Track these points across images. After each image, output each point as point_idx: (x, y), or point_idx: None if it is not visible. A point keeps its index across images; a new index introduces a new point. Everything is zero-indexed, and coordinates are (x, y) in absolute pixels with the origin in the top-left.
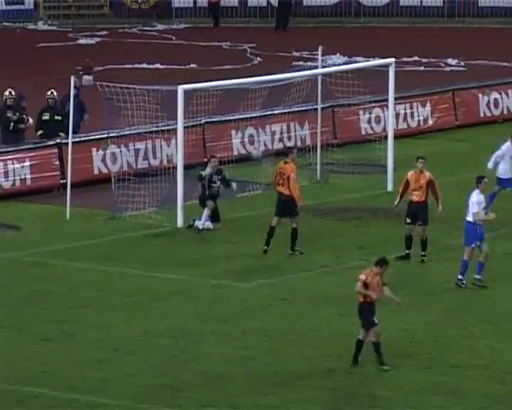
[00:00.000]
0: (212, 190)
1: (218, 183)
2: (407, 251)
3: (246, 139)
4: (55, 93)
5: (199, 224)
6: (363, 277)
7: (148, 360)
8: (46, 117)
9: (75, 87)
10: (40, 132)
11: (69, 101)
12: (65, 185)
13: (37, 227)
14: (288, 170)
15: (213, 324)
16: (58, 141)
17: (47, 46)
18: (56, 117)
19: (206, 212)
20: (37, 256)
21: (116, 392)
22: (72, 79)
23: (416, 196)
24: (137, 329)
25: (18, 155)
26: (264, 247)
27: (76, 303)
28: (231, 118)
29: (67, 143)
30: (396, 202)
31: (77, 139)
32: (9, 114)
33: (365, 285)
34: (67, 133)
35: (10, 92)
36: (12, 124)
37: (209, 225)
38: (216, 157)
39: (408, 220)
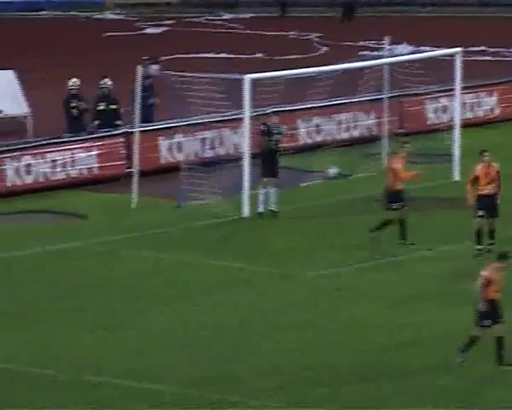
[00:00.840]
0: (271, 143)
1: (277, 136)
2: (478, 247)
3: (312, 129)
4: (110, 82)
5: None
6: (485, 273)
7: (206, 350)
8: (101, 107)
9: (149, 76)
10: (97, 122)
11: (145, 91)
12: (131, 174)
13: (104, 216)
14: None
15: (272, 314)
16: (125, 130)
17: (113, 36)
18: (111, 106)
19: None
20: (103, 245)
21: (175, 381)
22: (140, 68)
23: (487, 190)
24: (198, 318)
25: (85, 144)
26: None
27: (139, 292)
28: (297, 107)
29: (135, 132)
30: (470, 200)
31: (144, 128)
32: (74, 103)
33: (488, 282)
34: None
35: (75, 82)
36: (76, 113)
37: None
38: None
39: (480, 213)
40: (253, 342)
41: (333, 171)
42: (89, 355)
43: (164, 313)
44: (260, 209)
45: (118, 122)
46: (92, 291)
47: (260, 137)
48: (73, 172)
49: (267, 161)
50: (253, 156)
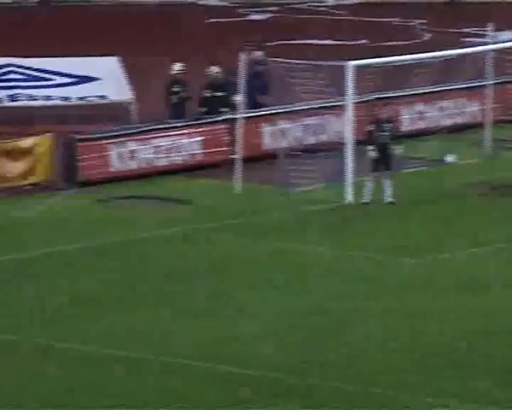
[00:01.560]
0: (380, 138)
1: (388, 132)
2: None
3: (415, 115)
4: (218, 69)
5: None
6: None
7: (293, 336)
8: (208, 94)
9: (261, 63)
10: (204, 109)
11: (252, 79)
12: (234, 161)
13: (207, 202)
14: None
15: (360, 301)
16: (229, 117)
17: (217, 22)
18: (218, 93)
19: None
20: (206, 231)
21: (260, 366)
22: (243, 55)
23: None
24: (286, 306)
25: (189, 130)
26: None
27: (232, 278)
28: (401, 94)
29: (238, 119)
30: None
31: (247, 115)
32: (177, 89)
33: None
34: (233, 109)
35: (179, 67)
36: (178, 98)
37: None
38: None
39: None
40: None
41: (450, 158)
42: (192, 339)
43: (245, 302)
44: (365, 200)
45: (224, 109)
46: (196, 276)
47: (371, 132)
48: (177, 158)
49: (379, 154)
50: (358, 143)
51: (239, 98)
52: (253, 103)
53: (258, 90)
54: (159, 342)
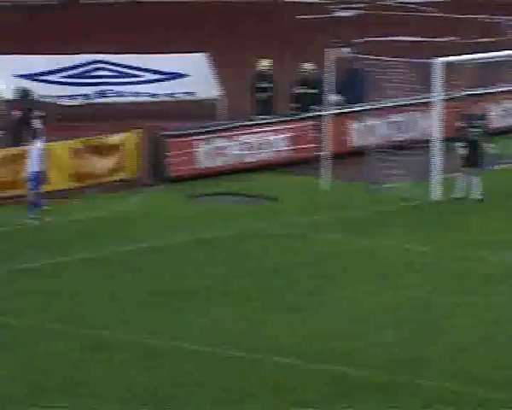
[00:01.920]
0: (471, 134)
1: (479, 129)
2: None
3: (503, 112)
4: (311, 66)
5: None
6: None
7: (395, 332)
8: (300, 90)
9: (349, 60)
10: (295, 106)
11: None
12: (322, 157)
13: (294, 198)
14: None
15: (458, 296)
16: (316, 113)
17: (305, 18)
18: (310, 91)
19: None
20: (293, 227)
21: (364, 363)
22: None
23: None
24: (385, 301)
25: (276, 127)
26: None
27: (326, 274)
28: (488, 91)
29: (325, 116)
30: None
31: (334, 111)
32: (265, 85)
33: None
34: (324, 106)
35: (265, 63)
36: (262, 96)
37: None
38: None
39: None
40: (439, 322)
41: None
42: (282, 335)
43: (346, 297)
44: (457, 195)
45: (315, 107)
46: (285, 271)
47: (461, 128)
48: (264, 155)
49: (469, 151)
50: (445, 140)
51: (335, 97)
52: (344, 100)
53: (348, 87)
54: (266, 337)
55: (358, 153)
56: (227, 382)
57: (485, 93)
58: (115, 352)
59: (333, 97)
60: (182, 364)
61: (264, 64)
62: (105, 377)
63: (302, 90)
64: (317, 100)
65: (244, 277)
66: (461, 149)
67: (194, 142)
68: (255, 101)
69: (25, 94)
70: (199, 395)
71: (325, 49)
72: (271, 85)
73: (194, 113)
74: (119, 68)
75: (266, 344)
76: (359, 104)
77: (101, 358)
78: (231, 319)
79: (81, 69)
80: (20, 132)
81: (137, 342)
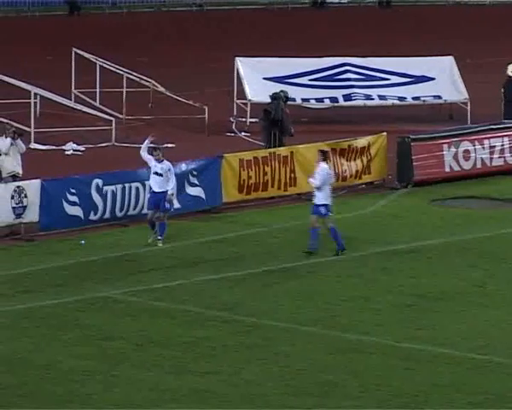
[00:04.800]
0: None
1: None
2: None
3: None
4: None
5: None
6: None
7: None
8: None
9: None
10: None
11: None
12: None
13: None
14: None
15: None
16: None
17: None
18: None
19: None
20: None
21: None
22: None
23: None
24: None
25: None
26: None
27: None
28: None
29: None
30: None
31: None
32: None
33: None
34: None
35: None
36: None
37: None
38: None
39: None
40: None
41: None
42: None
43: None
44: None
45: None
46: None
47: None
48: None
49: None
50: None
51: None
52: None
53: None
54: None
55: None
56: (484, 386)
57: None
58: (368, 354)
59: None
60: (437, 367)
61: None
62: (357, 379)
63: None
64: None
65: (501, 280)
66: None
67: (440, 145)
68: (504, 104)
69: (276, 96)
70: (457, 399)
71: None
72: None
73: (440, 116)
74: (365, 71)
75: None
76: None
77: (353, 360)
78: (488, 323)
79: (329, 72)
80: (269, 134)
81: (391, 346)
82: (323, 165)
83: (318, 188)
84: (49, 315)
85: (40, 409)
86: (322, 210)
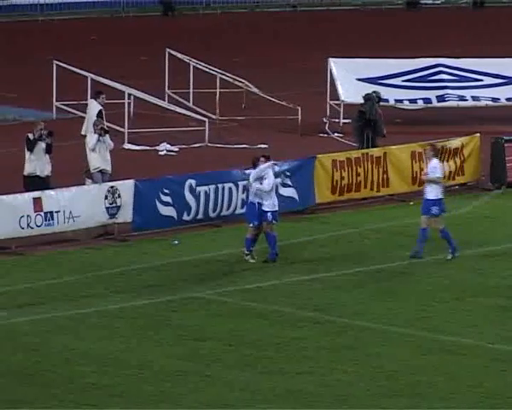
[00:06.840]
0: None
1: None
2: None
3: None
4: None
5: None
6: None
7: None
8: None
9: None
10: None
11: None
12: None
13: None
14: None
15: None
16: None
17: None
18: None
19: None
20: None
21: None
22: None
23: None
24: None
25: None
26: None
27: None
28: None
29: None
30: None
31: None
32: None
33: None
34: None
35: None
36: None
37: None
38: None
39: None
40: None
41: None
42: None
43: None
44: None
45: None
46: None
47: None
48: None
49: None
50: None
51: None
52: None
53: None
54: None
55: None
56: None
57: None
58: (461, 356)
59: None
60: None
61: None
62: (450, 380)
63: None
64: None
65: None
66: None
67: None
68: None
69: (369, 97)
70: None
71: None
72: None
73: None
74: (459, 72)
75: None
76: None
77: (445, 361)
78: None
79: (422, 73)
80: (362, 134)
81: (484, 347)
82: (435, 160)
83: (434, 182)
84: (142, 315)
85: (132, 409)
86: (435, 210)
